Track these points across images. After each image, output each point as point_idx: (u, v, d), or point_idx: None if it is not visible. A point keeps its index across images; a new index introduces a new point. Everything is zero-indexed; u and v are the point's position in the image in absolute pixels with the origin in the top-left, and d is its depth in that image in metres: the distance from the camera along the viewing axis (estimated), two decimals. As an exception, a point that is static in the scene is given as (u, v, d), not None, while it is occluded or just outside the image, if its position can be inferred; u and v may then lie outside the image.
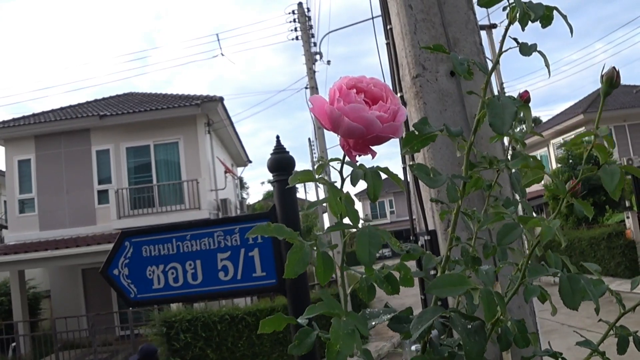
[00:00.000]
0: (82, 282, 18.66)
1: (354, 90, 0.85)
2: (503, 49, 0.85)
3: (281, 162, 2.42)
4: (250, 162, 30.30)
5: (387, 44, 2.56)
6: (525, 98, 1.05)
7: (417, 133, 0.89)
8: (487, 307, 0.77)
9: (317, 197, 24.76)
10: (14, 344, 13.93)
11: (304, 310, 0.81)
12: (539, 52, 0.84)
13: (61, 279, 18.80)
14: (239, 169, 30.01)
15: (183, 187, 18.20)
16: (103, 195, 18.26)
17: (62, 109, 20.30)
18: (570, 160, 22.68)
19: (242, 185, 43.86)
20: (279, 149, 2.47)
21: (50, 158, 18.47)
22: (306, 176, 0.81)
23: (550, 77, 0.86)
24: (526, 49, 0.85)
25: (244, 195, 47.17)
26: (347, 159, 0.87)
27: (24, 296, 16.96)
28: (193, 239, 2.52)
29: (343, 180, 0.84)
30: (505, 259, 0.95)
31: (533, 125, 0.95)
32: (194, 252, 2.51)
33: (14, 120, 18.99)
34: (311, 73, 19.14)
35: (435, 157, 2.15)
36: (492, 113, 0.82)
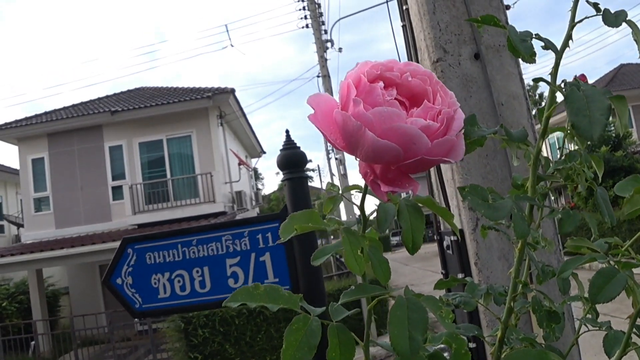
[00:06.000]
0: (100, 278, 18.63)
1: (381, 84, 0.55)
2: (576, 19, 0.64)
3: (291, 159, 2.23)
4: (264, 152, 30.14)
5: (403, 26, 2.34)
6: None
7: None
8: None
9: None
10: (33, 343, 13.91)
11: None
12: (628, 21, 0.63)
13: (79, 275, 18.80)
14: (253, 160, 29.87)
15: (197, 181, 18.06)
16: (117, 191, 18.19)
17: (73, 106, 20.22)
18: (589, 142, 22.20)
19: (256, 176, 43.79)
20: (289, 144, 2.28)
21: (64, 156, 18.41)
22: (306, 221, 0.58)
23: (641, 56, 0.65)
24: (611, 18, 0.63)
25: (259, 186, 47.09)
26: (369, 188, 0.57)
27: (42, 295, 16.97)
28: (199, 244, 2.34)
29: (365, 220, 0.60)
30: (567, 289, 0.74)
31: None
32: (201, 258, 2.34)
33: (26, 119, 18.93)
34: (322, 61, 18.88)
35: (467, 163, 1.95)
36: (573, 110, 0.57)
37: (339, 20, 33.00)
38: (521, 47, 0.62)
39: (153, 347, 12.90)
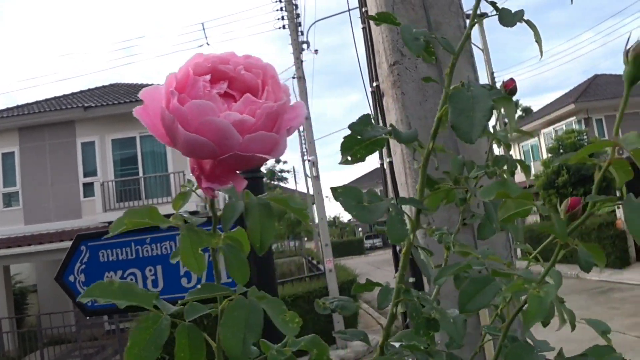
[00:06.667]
0: (69, 276, 18.36)
1: (207, 78, 0.53)
2: (476, 18, 0.63)
3: (247, 159, 2.23)
4: (240, 153, 29.99)
5: (363, 28, 2.34)
6: (510, 88, 0.82)
7: (358, 137, 0.63)
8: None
9: (307, 189, 24.66)
10: (-3, 341, 13.68)
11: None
12: (527, 21, 0.62)
13: (47, 273, 18.49)
14: (228, 160, 29.75)
15: (170, 179, 17.92)
16: (88, 188, 17.96)
17: (46, 100, 19.94)
18: (561, 151, 22.52)
19: (232, 176, 43.54)
20: (247, 144, 2.27)
21: (35, 151, 18.13)
22: (142, 217, 0.56)
23: (542, 57, 0.64)
24: (509, 17, 0.61)
25: (234, 187, 46.68)
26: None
27: (9, 292, 16.70)
28: (153, 242, 2.31)
29: (216, 219, 0.60)
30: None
31: (523, 114, 0.72)
32: (155, 257, 2.31)
33: (-3, 112, 18.64)
34: (298, 63, 18.85)
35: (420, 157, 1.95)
36: (456, 110, 0.56)
37: (315, 22, 32.99)
38: (412, 45, 0.62)
39: (120, 347, 12.76)
